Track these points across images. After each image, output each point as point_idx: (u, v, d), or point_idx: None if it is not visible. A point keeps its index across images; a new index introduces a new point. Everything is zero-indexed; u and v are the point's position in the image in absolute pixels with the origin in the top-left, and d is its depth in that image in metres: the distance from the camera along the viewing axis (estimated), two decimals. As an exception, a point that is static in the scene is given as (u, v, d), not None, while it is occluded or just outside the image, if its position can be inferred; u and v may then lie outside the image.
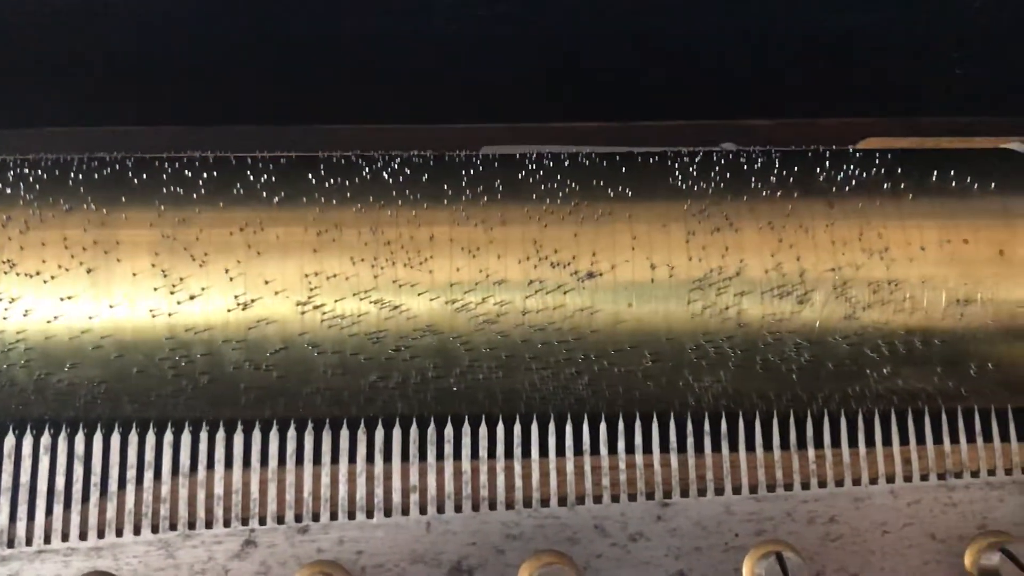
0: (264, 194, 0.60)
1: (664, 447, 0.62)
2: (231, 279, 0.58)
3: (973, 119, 0.77)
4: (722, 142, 0.77)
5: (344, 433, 0.61)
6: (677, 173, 0.62)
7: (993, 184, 0.62)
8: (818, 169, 0.62)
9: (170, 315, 0.57)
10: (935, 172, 0.62)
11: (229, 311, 0.58)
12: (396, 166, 0.62)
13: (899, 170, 0.62)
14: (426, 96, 0.82)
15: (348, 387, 0.59)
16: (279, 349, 0.58)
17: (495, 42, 0.80)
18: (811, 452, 0.63)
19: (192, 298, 0.58)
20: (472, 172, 0.61)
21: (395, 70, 0.79)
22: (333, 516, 0.61)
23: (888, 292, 0.59)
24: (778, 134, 0.83)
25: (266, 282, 0.58)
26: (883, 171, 0.62)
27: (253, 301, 0.58)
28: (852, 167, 0.62)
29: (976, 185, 0.61)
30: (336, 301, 0.58)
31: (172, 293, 0.58)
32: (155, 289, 0.58)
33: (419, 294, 0.58)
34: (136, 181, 0.61)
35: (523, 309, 0.58)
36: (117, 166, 0.62)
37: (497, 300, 0.58)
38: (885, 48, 0.79)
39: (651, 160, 0.63)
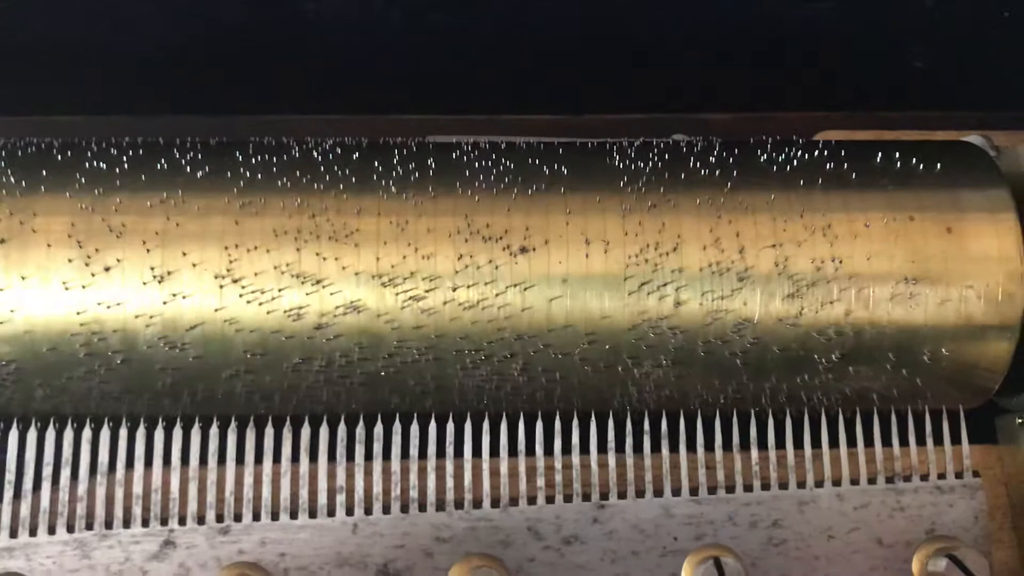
0: (188, 169, 0.58)
1: (602, 446, 0.60)
2: (148, 251, 0.55)
3: (932, 114, 0.75)
4: (674, 134, 0.75)
5: (269, 431, 0.59)
6: (615, 154, 0.60)
7: (939, 166, 0.60)
8: (759, 151, 0.60)
9: (84, 287, 0.55)
10: (879, 154, 0.60)
11: (144, 284, 0.55)
12: (327, 146, 0.60)
13: (843, 152, 0.60)
14: (374, 86, 0.79)
15: (269, 370, 0.56)
16: (195, 325, 0.55)
17: (446, 32, 0.78)
18: (754, 453, 0.60)
19: (107, 270, 0.55)
20: (405, 152, 0.59)
21: (339, 59, 0.77)
22: (256, 517, 0.58)
23: (832, 270, 0.57)
24: (735, 128, 0.80)
25: (184, 254, 0.55)
26: (826, 153, 0.60)
27: (170, 273, 0.55)
28: (796, 149, 0.60)
29: (922, 167, 0.60)
30: (256, 275, 0.55)
31: (87, 265, 0.55)
32: (69, 260, 0.55)
33: (343, 268, 0.55)
34: (60, 158, 0.58)
35: (452, 285, 0.56)
36: (43, 145, 0.59)
37: (425, 275, 0.56)
38: (844, 41, 0.77)
39: (589, 144, 0.61)
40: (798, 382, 0.59)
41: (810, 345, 0.57)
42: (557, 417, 0.60)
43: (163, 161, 0.58)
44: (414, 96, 0.81)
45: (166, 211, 0.56)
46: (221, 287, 0.55)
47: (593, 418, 0.60)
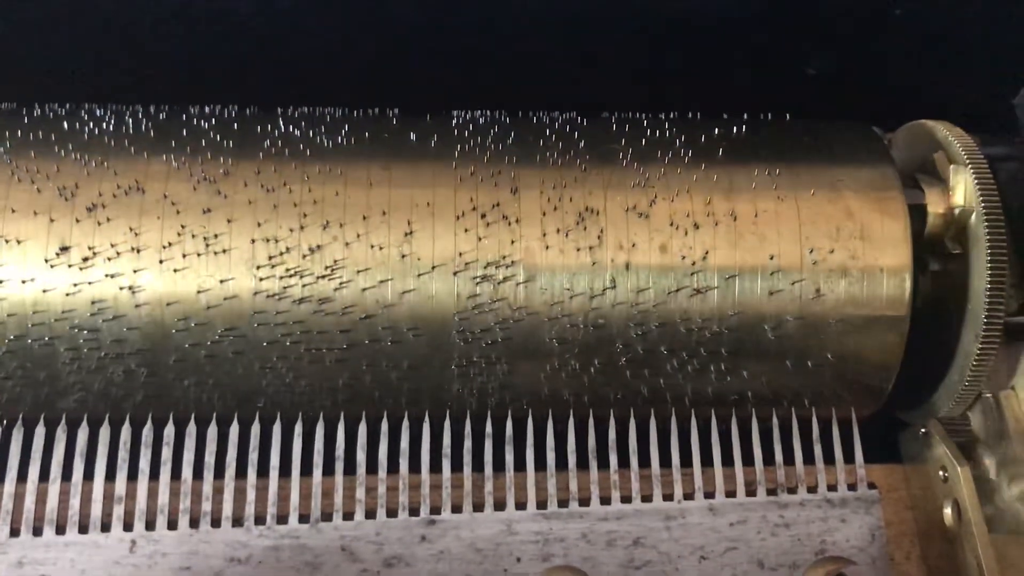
0: None
1: (435, 459, 0.51)
2: None
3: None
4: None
5: (39, 431, 0.50)
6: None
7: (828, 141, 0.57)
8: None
9: None
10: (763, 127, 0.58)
11: None
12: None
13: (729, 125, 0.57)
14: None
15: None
16: None
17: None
18: (613, 461, 0.52)
19: None
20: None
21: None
22: (14, 532, 0.49)
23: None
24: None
25: None
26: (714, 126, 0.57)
27: None
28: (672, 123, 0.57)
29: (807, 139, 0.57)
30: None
31: None
32: None
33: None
34: None
35: None
36: None
37: None
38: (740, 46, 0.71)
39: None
40: (668, 313, 0.52)
41: (669, 264, 0.51)
42: (384, 420, 0.52)
43: None
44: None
45: None
46: None
47: (427, 421, 0.52)
